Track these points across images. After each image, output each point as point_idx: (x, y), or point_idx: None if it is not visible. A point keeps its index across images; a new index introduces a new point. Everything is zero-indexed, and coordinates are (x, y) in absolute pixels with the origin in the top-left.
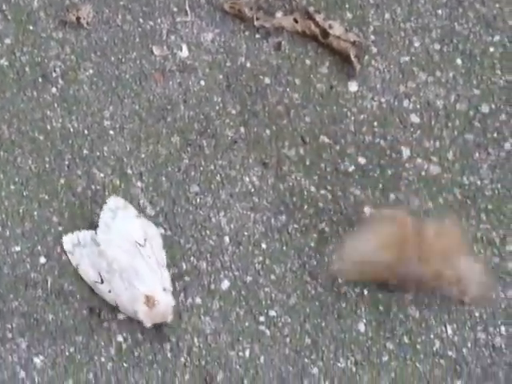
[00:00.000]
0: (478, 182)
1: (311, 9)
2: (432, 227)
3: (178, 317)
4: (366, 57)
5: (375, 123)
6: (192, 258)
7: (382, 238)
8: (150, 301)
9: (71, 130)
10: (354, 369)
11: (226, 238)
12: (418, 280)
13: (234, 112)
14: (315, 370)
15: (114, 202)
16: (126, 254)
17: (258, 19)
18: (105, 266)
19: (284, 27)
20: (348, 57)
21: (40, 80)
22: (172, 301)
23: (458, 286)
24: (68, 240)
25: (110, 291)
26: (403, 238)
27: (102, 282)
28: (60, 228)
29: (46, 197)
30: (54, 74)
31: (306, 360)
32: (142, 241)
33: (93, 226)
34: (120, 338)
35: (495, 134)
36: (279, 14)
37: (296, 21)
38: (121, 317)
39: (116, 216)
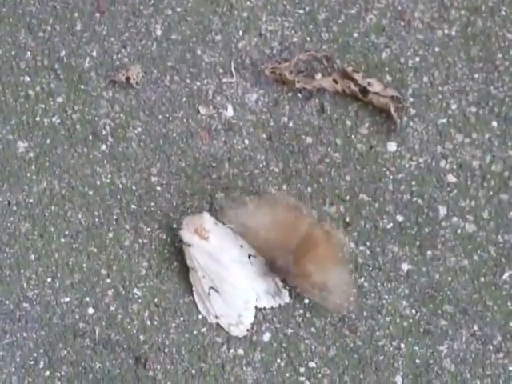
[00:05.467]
0: None
1: (349, 69)
2: (320, 231)
3: (221, 368)
4: (405, 118)
5: (413, 182)
6: None
7: (279, 218)
8: None
9: (120, 185)
10: None
11: None
12: (285, 269)
13: (276, 170)
14: None
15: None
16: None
17: (298, 82)
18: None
19: (324, 88)
20: (388, 112)
21: (90, 137)
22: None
23: (321, 291)
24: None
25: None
26: (294, 228)
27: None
28: (108, 280)
29: (95, 250)
30: (103, 132)
31: None
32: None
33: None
34: None
35: None
36: (319, 76)
37: (335, 81)
38: (167, 366)
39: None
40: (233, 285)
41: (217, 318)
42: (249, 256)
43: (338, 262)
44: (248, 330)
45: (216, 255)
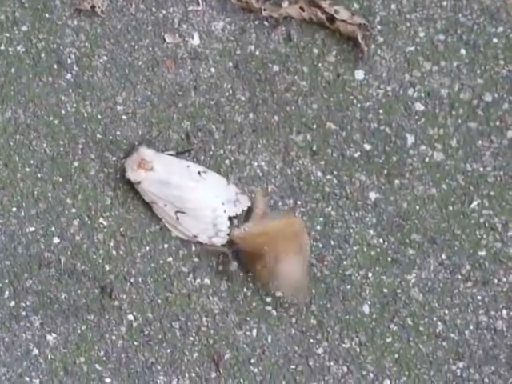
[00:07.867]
0: (481, 169)
1: None
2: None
3: (188, 297)
4: (373, 46)
5: (380, 111)
6: None
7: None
8: None
9: (85, 114)
10: (358, 349)
11: None
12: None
13: (243, 98)
14: (320, 350)
15: None
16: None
17: (265, 10)
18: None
19: (291, 16)
20: (355, 39)
21: (55, 66)
22: None
23: (274, 280)
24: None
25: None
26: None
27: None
28: (73, 210)
29: (60, 179)
30: (68, 61)
31: (311, 340)
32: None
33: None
34: (131, 317)
35: (498, 123)
36: (285, 4)
37: (302, 9)
38: (133, 295)
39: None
40: (194, 200)
41: (195, 237)
42: (198, 172)
43: (295, 253)
44: (229, 235)
45: (167, 180)
